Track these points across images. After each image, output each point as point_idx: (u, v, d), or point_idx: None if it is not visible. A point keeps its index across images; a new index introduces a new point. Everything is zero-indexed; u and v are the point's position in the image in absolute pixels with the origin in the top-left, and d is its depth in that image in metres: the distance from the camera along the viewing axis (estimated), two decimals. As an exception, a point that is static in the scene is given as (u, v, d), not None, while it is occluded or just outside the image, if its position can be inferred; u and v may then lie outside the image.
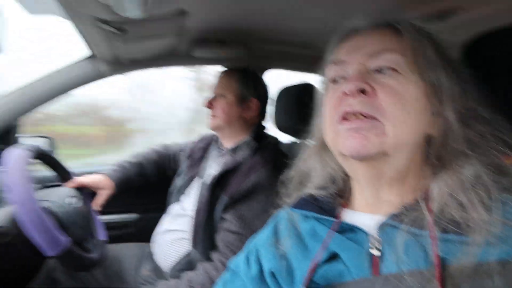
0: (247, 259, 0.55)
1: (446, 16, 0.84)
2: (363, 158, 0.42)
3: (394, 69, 0.43)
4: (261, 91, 1.09)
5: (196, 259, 0.94)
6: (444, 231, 0.37)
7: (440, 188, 0.40)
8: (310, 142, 0.57)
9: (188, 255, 0.97)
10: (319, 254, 0.45)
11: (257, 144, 1.00)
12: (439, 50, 0.46)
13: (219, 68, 1.18)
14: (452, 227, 0.36)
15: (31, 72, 1.15)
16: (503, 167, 0.40)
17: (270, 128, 1.20)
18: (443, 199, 0.39)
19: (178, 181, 1.16)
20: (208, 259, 0.90)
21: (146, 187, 1.27)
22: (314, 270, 0.43)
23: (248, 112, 1.05)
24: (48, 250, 0.70)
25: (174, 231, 1.03)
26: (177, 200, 1.13)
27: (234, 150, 1.04)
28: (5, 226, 0.74)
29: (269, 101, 1.15)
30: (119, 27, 0.77)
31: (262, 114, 1.10)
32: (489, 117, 0.43)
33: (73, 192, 0.95)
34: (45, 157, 0.96)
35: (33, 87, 1.14)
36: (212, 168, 1.07)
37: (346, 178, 0.53)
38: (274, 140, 1.08)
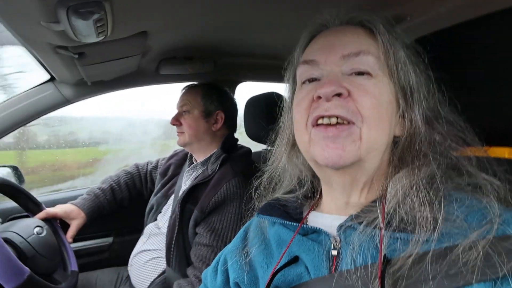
0: (215, 269, 0.56)
1: (397, 22, 0.90)
2: (339, 168, 0.42)
3: (368, 73, 0.43)
4: (226, 103, 1.11)
5: (171, 277, 0.93)
6: (394, 230, 0.38)
7: (395, 189, 0.41)
8: (278, 144, 0.57)
9: (163, 274, 0.96)
10: (281, 259, 0.46)
11: (227, 156, 1.01)
12: (409, 51, 0.46)
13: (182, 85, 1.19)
14: (401, 227, 0.38)
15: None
16: (460, 166, 0.42)
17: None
18: (397, 199, 0.40)
19: (153, 200, 1.15)
20: (185, 275, 0.89)
21: (121, 209, 1.24)
22: (274, 275, 0.44)
23: (215, 125, 1.07)
24: (7, 283, 0.67)
25: (148, 251, 1.02)
26: (154, 220, 1.11)
27: (204, 163, 1.04)
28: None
29: (236, 112, 1.16)
30: (78, 52, 0.76)
31: (230, 126, 1.12)
32: (450, 118, 0.44)
33: (41, 223, 0.91)
34: (7, 188, 0.92)
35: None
36: (185, 184, 1.07)
37: (315, 181, 0.54)
38: (245, 150, 1.10)
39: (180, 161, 1.19)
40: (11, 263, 0.69)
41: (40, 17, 0.52)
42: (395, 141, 0.46)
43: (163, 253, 0.97)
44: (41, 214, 0.99)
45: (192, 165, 1.08)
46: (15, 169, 1.33)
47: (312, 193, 0.55)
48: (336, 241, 0.43)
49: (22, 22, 0.55)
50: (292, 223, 0.48)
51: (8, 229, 0.82)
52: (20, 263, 0.71)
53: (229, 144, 1.08)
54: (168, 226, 0.96)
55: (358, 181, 0.45)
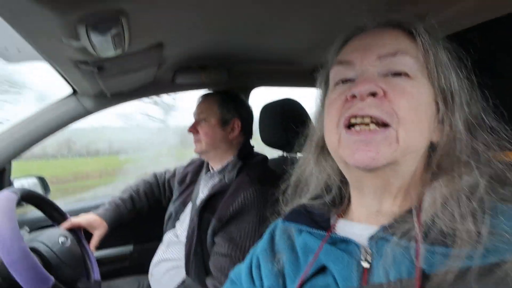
0: (250, 272, 0.53)
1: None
2: (371, 170, 0.39)
3: (406, 74, 0.41)
4: (242, 111, 1.11)
5: (191, 287, 0.93)
6: (432, 243, 0.35)
7: (433, 198, 0.38)
8: (307, 149, 0.55)
9: (183, 283, 0.96)
10: (308, 268, 0.44)
11: (243, 164, 1.00)
12: (451, 54, 0.44)
13: (199, 93, 1.20)
14: (440, 239, 0.35)
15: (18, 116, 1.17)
16: (505, 177, 0.39)
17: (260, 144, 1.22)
18: (435, 210, 0.37)
19: (171, 208, 1.16)
20: (204, 285, 0.89)
21: (142, 216, 1.26)
22: (301, 286, 0.42)
23: (231, 133, 1.07)
24: None
25: (168, 260, 1.02)
26: (173, 227, 1.12)
27: (221, 171, 1.04)
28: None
29: (252, 119, 1.16)
30: (98, 66, 0.79)
31: (246, 133, 1.12)
32: (494, 125, 0.42)
33: (66, 233, 0.94)
34: (33, 199, 0.95)
35: (22, 129, 1.15)
36: (203, 192, 1.07)
37: (343, 186, 0.51)
38: (261, 157, 1.09)
39: (197, 168, 1.20)
40: (37, 271, 0.71)
41: (61, 34, 0.54)
42: (432, 147, 0.43)
43: (182, 263, 0.97)
44: (66, 224, 1.02)
45: (209, 173, 1.09)
46: (41, 179, 1.38)
47: (339, 199, 0.52)
48: (367, 253, 0.40)
49: (44, 38, 0.57)
50: (319, 232, 0.45)
51: (35, 239, 0.84)
52: (45, 271, 0.73)
53: (246, 152, 1.07)
54: (187, 235, 0.96)
55: (391, 186, 0.42)
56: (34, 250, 0.81)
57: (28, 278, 0.69)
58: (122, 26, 0.57)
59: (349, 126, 0.41)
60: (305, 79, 1.40)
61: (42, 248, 0.82)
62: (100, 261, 1.09)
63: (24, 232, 1.03)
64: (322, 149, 0.51)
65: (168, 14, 0.65)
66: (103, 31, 0.55)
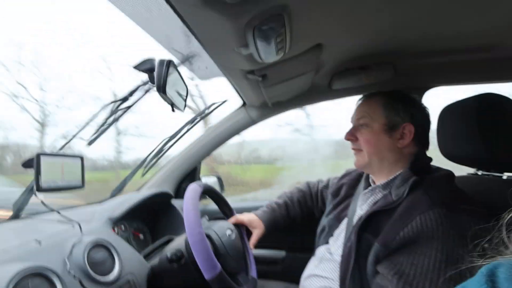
0: None
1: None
2: None
3: None
4: (416, 114, 0.87)
5: None
6: None
7: None
8: None
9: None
10: None
11: (418, 179, 0.78)
12: None
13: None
14: None
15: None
16: None
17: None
18: None
19: (324, 221, 1.08)
20: None
21: (295, 225, 1.26)
22: None
23: (401, 141, 0.86)
24: (205, 273, 0.79)
25: (319, 277, 0.94)
26: (326, 242, 1.04)
27: (386, 186, 0.86)
28: (181, 250, 0.89)
29: (429, 125, 0.91)
30: (262, 74, 0.84)
31: (421, 141, 0.88)
32: None
33: (232, 227, 1.05)
34: (211, 193, 1.13)
35: (206, 137, 1.44)
36: (361, 208, 0.92)
37: None
38: (444, 173, 0.82)
39: (354, 181, 1.07)
40: (209, 255, 0.81)
41: (233, 42, 0.59)
42: None
43: (335, 284, 0.86)
44: (232, 219, 1.15)
45: (370, 188, 0.92)
46: (219, 179, 1.68)
47: None
48: None
49: (221, 51, 0.65)
50: None
51: (210, 227, 0.99)
52: (215, 258, 0.82)
53: (421, 165, 0.84)
54: (342, 256, 0.85)
55: None
56: (208, 236, 0.95)
57: (202, 259, 0.80)
58: (284, 26, 0.56)
59: None
60: (506, 68, 1.00)
61: (214, 236, 0.95)
62: (256, 260, 1.15)
63: (204, 220, 1.25)
64: None
65: (329, 9, 0.60)
66: (268, 34, 0.56)
